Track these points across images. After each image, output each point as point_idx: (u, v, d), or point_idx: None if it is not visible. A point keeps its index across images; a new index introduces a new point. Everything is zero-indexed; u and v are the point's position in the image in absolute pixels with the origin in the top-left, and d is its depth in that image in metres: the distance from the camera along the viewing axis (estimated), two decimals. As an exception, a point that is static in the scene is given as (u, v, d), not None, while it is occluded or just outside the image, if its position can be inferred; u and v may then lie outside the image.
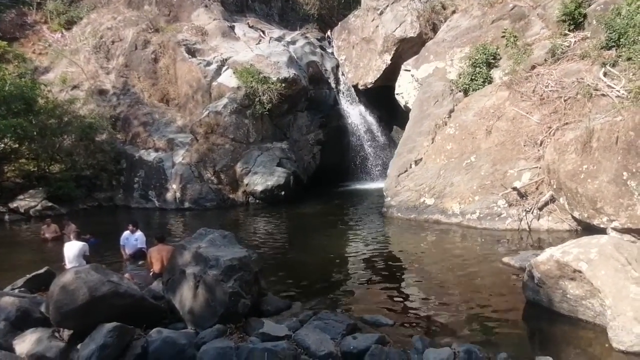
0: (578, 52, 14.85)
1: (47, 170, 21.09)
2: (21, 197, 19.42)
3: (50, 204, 19.38)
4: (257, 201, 20.16)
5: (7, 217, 18.81)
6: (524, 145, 13.83)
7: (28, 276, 9.13)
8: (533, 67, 15.62)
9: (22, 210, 19.02)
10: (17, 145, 20.77)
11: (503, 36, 17.42)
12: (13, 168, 21.05)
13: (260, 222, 17.29)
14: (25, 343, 6.69)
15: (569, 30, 15.96)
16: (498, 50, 17.31)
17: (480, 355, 5.90)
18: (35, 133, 20.07)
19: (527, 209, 12.84)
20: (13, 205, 19.12)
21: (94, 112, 22.46)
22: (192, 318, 7.11)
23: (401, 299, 8.77)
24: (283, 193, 19.89)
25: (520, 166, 13.56)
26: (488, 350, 6.20)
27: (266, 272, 10.44)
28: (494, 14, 18.16)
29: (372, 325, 7.34)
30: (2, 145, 20.31)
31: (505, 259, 10.32)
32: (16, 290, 8.63)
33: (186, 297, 7.22)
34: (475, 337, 6.97)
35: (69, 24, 28.13)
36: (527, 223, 12.78)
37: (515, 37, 17.01)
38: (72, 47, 26.05)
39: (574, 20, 15.92)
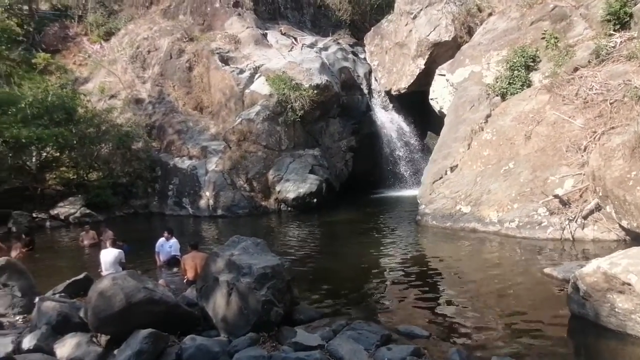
0: (624, 53, 14.21)
1: (86, 178, 21.74)
2: (61, 204, 20.06)
3: (88, 211, 19.95)
4: (289, 208, 20.14)
5: (48, 223, 19.46)
6: (566, 151, 13.28)
7: (68, 282, 9.34)
8: (575, 70, 15.03)
9: (62, 217, 19.63)
10: (58, 154, 21.56)
11: (543, 38, 16.87)
12: (54, 176, 21.81)
13: (292, 229, 17.24)
14: (65, 347, 6.81)
15: (614, 31, 15.29)
16: (537, 52, 16.78)
17: (522, 371, 5.61)
18: (75, 142, 20.77)
19: (571, 218, 12.28)
20: (54, 212, 19.77)
21: (131, 120, 23.06)
22: (225, 326, 7.08)
23: (437, 310, 8.48)
24: (315, 200, 19.82)
25: (562, 173, 13.02)
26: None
27: (298, 281, 10.34)
28: (533, 15, 17.62)
29: (406, 337, 7.12)
30: (45, 154, 21.08)
31: (547, 270, 9.87)
32: (56, 295, 8.84)
33: (219, 304, 7.20)
34: (515, 351, 6.63)
35: (108, 35, 29.08)
36: (571, 232, 12.23)
37: (556, 38, 16.45)
38: (110, 58, 26.87)
39: (620, 20, 15.26)
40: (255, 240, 8.46)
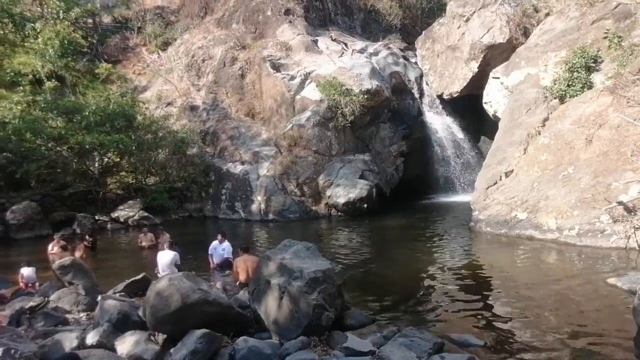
0: (695, 51, 13.32)
1: (144, 182, 22.68)
2: (121, 207, 21.04)
3: (146, 214, 20.80)
4: (340, 213, 20.15)
5: (109, 225, 20.46)
6: (632, 155, 12.54)
7: (127, 281, 9.77)
8: (641, 70, 14.23)
9: (122, 220, 20.58)
10: (118, 159, 22.65)
11: (605, 37, 16.08)
12: (115, 180, 22.90)
13: (342, 234, 17.23)
14: (125, 344, 7.10)
15: (684, 28, 14.40)
16: (599, 52, 16.01)
17: (585, 387, 5.32)
18: (134, 148, 21.72)
19: (637, 226, 11.59)
20: (114, 215, 20.76)
21: (186, 127, 23.90)
22: (277, 328, 7.16)
23: (492, 320, 8.19)
24: (365, 205, 19.72)
25: (627, 178, 12.31)
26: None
27: (349, 286, 10.31)
28: (594, 14, 16.83)
29: (460, 346, 6.94)
30: (106, 159, 22.19)
31: (611, 280, 9.34)
32: (117, 294, 9.26)
33: (271, 307, 7.30)
34: (577, 365, 6.34)
35: (165, 45, 30.34)
36: (637, 241, 11.54)
37: (620, 37, 15.63)
38: (167, 67, 28.00)
39: (690, 16, 14.35)
40: (307, 244, 8.52)
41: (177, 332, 6.78)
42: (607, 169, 12.85)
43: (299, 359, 6.25)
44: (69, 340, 7.18)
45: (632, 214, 11.82)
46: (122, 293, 9.44)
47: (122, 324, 7.42)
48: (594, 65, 15.94)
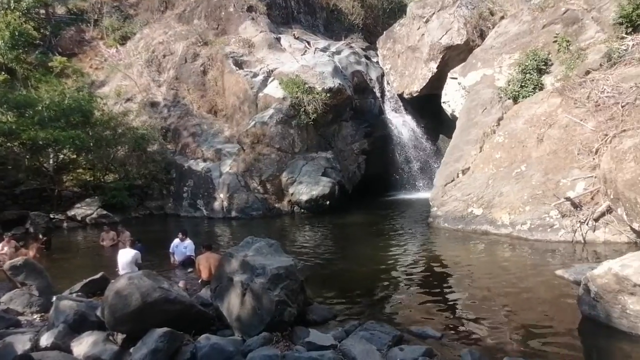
0: (637, 56, 14.16)
1: (102, 180, 22.10)
2: (78, 205, 20.43)
3: (104, 212, 20.29)
4: (302, 210, 20.28)
5: (65, 224, 19.83)
6: (578, 154, 13.26)
7: (84, 281, 9.56)
8: (587, 73, 15.02)
9: (79, 218, 19.99)
10: (75, 156, 21.94)
11: (555, 41, 16.87)
12: (71, 178, 22.19)
13: (305, 231, 17.38)
14: (82, 345, 6.98)
15: (627, 33, 15.28)
16: (549, 55, 16.78)
17: (533, 372, 5.66)
18: (91, 144, 21.11)
19: (582, 220, 12.27)
20: (71, 213, 20.14)
21: (146, 123, 23.42)
22: (240, 325, 7.22)
23: (449, 312, 8.54)
24: (328, 203, 19.92)
25: (573, 175, 13.00)
26: (542, 367, 5.95)
27: (312, 282, 10.47)
28: (545, 19, 17.61)
29: (418, 337, 7.19)
30: (62, 156, 21.47)
31: (559, 272, 9.80)
32: (74, 295, 9.06)
33: (234, 304, 7.35)
34: (526, 353, 6.68)
35: (124, 40, 29.56)
36: (582, 235, 12.22)
37: (568, 41, 16.44)
38: (126, 62, 27.31)
39: (632, 23, 15.23)
40: (269, 241, 8.60)
41: (137, 332, 6.72)
42: (556, 166, 13.52)
43: (261, 355, 6.31)
44: (21, 342, 7.01)
45: (578, 209, 12.49)
46: (79, 293, 9.23)
47: (78, 324, 7.29)
48: (544, 67, 16.69)
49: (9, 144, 19.79)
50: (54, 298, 8.33)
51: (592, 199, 12.54)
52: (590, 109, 13.95)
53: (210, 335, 6.91)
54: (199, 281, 9.99)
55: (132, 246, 10.53)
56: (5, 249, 13.38)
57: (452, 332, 7.64)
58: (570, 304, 8.20)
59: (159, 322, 6.70)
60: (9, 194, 20.31)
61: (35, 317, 8.84)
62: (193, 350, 6.54)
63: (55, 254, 14.77)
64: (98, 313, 7.35)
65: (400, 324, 7.92)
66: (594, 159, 12.87)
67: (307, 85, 20.94)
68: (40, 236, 15.35)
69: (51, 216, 19.92)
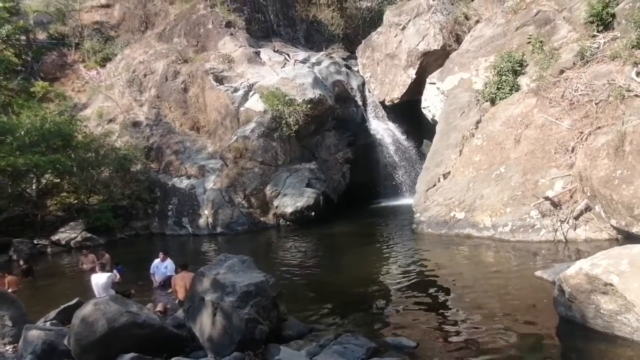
0: (608, 53, 14.28)
1: (87, 202, 21.90)
2: (62, 229, 20.23)
3: (89, 235, 20.10)
4: (288, 223, 20.18)
5: (49, 249, 19.62)
6: (555, 153, 13.31)
7: (60, 308, 9.38)
8: (561, 72, 15.13)
9: (63, 243, 19.79)
10: (57, 180, 21.78)
11: (529, 42, 17.00)
12: (55, 202, 21.99)
13: (290, 243, 17.29)
14: (50, 376, 6.84)
15: (598, 32, 15.40)
16: (524, 57, 16.89)
17: (504, 379, 5.58)
18: (74, 167, 20.95)
19: (562, 219, 12.27)
20: (55, 237, 19.93)
21: (128, 143, 23.28)
22: (212, 346, 7.11)
23: (429, 319, 8.49)
24: (313, 213, 19.82)
25: (552, 175, 13.03)
26: (514, 373, 5.88)
27: (294, 295, 10.42)
28: (518, 21, 17.76)
29: (394, 349, 7.12)
30: (44, 180, 21.30)
31: (538, 273, 9.86)
32: (48, 323, 8.87)
33: (205, 324, 7.24)
34: (504, 357, 6.64)
35: (105, 61, 29.48)
36: (563, 234, 12.21)
37: (542, 42, 16.56)
38: (107, 83, 27.24)
39: (602, 21, 15.37)
40: (242, 257, 8.49)
41: (105, 359, 6.61)
42: (534, 166, 13.54)
43: (232, 375, 6.24)
44: (-11, 376, 6.86)
45: (558, 208, 12.50)
46: (54, 321, 9.04)
47: (47, 354, 7.12)
48: (520, 68, 16.77)
49: (-11, 171, 19.62)
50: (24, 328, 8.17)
51: (571, 197, 12.56)
52: (565, 107, 14.05)
53: (181, 358, 6.81)
54: (176, 301, 9.86)
55: (103, 269, 10.32)
56: (-14, 278, 13.16)
57: (430, 340, 7.59)
58: (548, 305, 8.15)
59: (128, 347, 6.60)
60: (-9, 222, 20.10)
61: (7, 348, 8.64)
62: (163, 374, 6.44)
63: (38, 280, 14.58)
64: (66, 342, 7.20)
65: (379, 335, 7.86)
66: (570, 157, 12.92)
67: (287, 98, 20.94)
68: (21, 262, 15.22)
69: (35, 242, 19.72)
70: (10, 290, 11.21)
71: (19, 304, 9.39)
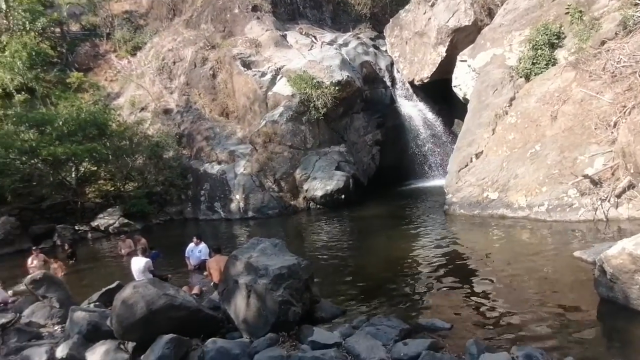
0: (652, 22, 13.53)
1: (123, 189, 22.50)
2: (101, 215, 20.88)
3: (126, 220, 20.68)
4: (318, 206, 20.21)
5: (89, 235, 20.29)
6: (595, 129, 12.77)
7: (102, 291, 9.75)
8: (602, 43, 14.40)
9: (102, 228, 20.44)
10: (95, 168, 22.43)
11: (567, 13, 16.24)
12: (93, 189, 22.68)
13: (321, 227, 17.32)
14: (95, 355, 7.13)
15: (641, -1, 14.58)
16: (562, 28, 16.19)
17: (542, 360, 5.46)
18: (109, 155, 21.51)
19: (603, 198, 11.82)
20: (94, 223, 20.59)
21: (160, 130, 23.71)
22: (247, 327, 7.23)
23: (463, 301, 8.34)
24: (343, 196, 19.77)
25: (591, 151, 12.53)
26: (553, 354, 5.74)
27: (326, 277, 10.46)
28: (554, -9, 16.98)
29: (427, 330, 7.05)
30: (82, 169, 21.98)
31: (577, 253, 9.55)
32: (91, 305, 9.26)
33: (240, 306, 7.35)
34: (540, 339, 6.48)
35: (135, 50, 29.97)
36: (604, 212, 11.77)
37: (581, 12, 15.80)
38: (138, 72, 27.69)
39: (646, -12, 14.53)
40: (274, 241, 8.57)
41: (146, 339, 6.81)
42: (572, 143, 13.06)
43: (267, 356, 6.32)
44: (38, 355, 7.20)
45: (598, 186, 12.05)
46: (97, 303, 9.42)
47: (92, 334, 7.43)
48: (557, 41, 16.11)
49: (32, 161, 20.35)
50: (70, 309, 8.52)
51: (612, 174, 12.07)
52: (607, 80, 13.41)
53: (217, 338, 6.95)
54: (212, 284, 10.06)
55: (144, 253, 10.65)
56: (35, 262, 13.83)
57: (465, 322, 7.47)
58: (588, 287, 7.91)
59: (167, 328, 6.77)
60: (36, 209, 20.91)
61: (56, 328, 9.08)
62: (200, 354, 6.59)
63: (81, 264, 15.14)
64: (108, 323, 7.47)
65: (412, 316, 7.79)
66: (612, 132, 12.37)
67: (315, 80, 20.81)
68: (66, 247, 15.89)
69: (76, 228, 20.42)
70: (59, 275, 11.73)
71: (65, 286, 9.82)
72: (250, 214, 20.32)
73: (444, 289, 9.13)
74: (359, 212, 18.65)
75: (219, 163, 22.18)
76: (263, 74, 22.54)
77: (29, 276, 10.03)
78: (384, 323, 7.04)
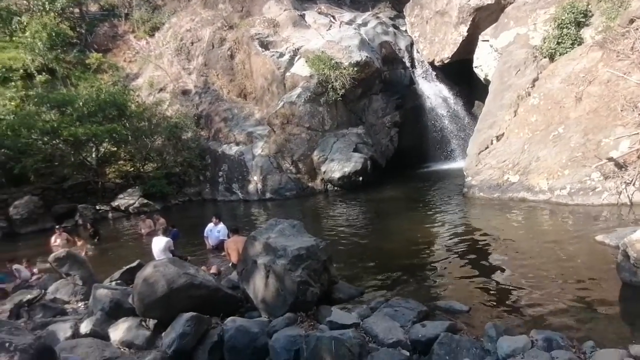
0: (685, -1, 13.00)
1: (142, 169, 22.77)
2: (121, 196, 21.21)
3: (146, 201, 20.97)
4: (336, 188, 20.19)
5: (110, 214, 20.67)
6: (622, 110, 12.42)
7: (123, 269, 9.94)
8: (631, 22, 13.86)
9: (122, 208, 20.78)
10: (115, 149, 22.70)
11: (595, -11, 15.74)
12: (113, 170, 22.99)
13: (338, 208, 17.33)
14: (117, 331, 7.32)
15: (673, -25, 14.00)
16: (589, 6, 15.69)
17: (562, 344, 5.41)
18: (129, 136, 21.73)
19: (628, 181, 11.56)
20: (115, 204, 20.95)
21: (179, 112, 23.82)
22: (265, 307, 7.31)
23: (482, 284, 8.29)
24: (361, 178, 19.69)
25: (617, 134, 12.22)
26: (573, 338, 5.68)
27: (344, 259, 10.49)
28: (582, -33, 16.40)
29: (446, 312, 7.05)
30: (102, 149, 22.27)
31: (599, 237, 9.39)
32: (113, 283, 9.46)
33: (258, 286, 7.42)
34: (560, 323, 6.41)
35: (153, 31, 29.97)
36: (628, 196, 11.52)
37: (610, -12, 15.28)
38: (156, 52, 27.76)
39: (679, -38, 13.94)
40: (292, 222, 8.59)
41: (166, 317, 6.95)
42: (597, 125, 12.75)
43: (285, 335, 6.37)
44: (63, 330, 7.39)
45: (623, 169, 11.78)
46: (119, 281, 9.61)
47: (115, 311, 7.62)
48: (583, 20, 15.64)
49: (53, 141, 20.68)
50: (93, 287, 8.72)
51: (638, 157, 11.77)
52: (635, 60, 12.98)
53: (236, 317, 7.05)
54: (230, 264, 10.17)
55: (165, 233, 10.81)
56: (58, 241, 14.19)
57: (484, 304, 7.43)
58: (610, 271, 7.81)
59: (187, 307, 6.89)
60: (58, 189, 21.32)
61: (79, 305, 9.32)
62: (220, 332, 6.69)
63: (102, 243, 15.46)
64: (130, 300, 7.62)
65: (430, 298, 7.78)
66: (639, 115, 12.03)
67: (333, 61, 20.58)
68: (88, 226, 16.22)
69: (97, 207, 20.80)
70: (82, 254, 12.01)
71: (88, 264, 10.04)
72: (267, 195, 20.42)
73: (462, 272, 9.08)
74: (377, 194, 18.57)
75: (237, 144, 22.25)
76: (281, 55, 22.38)
77: (53, 254, 10.25)
78: (402, 305, 7.04)
